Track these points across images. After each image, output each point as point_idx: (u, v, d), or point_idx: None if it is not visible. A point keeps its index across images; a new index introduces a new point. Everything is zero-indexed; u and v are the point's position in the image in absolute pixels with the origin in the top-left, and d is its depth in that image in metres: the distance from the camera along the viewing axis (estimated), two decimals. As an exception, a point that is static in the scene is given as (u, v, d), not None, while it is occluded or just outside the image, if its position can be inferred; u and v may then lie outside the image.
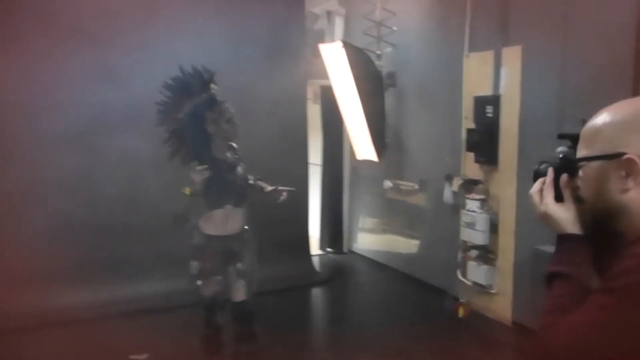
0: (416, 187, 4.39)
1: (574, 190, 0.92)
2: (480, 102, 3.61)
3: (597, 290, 0.79)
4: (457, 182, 3.81)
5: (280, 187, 2.82)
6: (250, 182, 2.82)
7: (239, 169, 2.73)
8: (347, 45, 4.07)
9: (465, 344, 3.50)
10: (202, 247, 2.73)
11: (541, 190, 0.97)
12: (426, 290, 4.25)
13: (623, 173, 0.80)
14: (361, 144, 4.39)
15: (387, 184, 4.60)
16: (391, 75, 4.43)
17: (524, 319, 3.39)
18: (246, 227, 2.80)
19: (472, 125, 3.68)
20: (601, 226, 0.87)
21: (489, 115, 3.54)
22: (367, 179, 5.09)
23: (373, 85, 4.25)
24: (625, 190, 0.80)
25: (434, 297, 4.09)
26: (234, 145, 2.75)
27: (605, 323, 0.74)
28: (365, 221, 5.33)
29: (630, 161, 0.79)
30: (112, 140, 3.79)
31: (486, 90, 3.60)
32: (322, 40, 4.79)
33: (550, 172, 0.96)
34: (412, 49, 4.32)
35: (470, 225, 3.62)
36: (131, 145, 3.67)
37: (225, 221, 2.70)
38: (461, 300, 3.79)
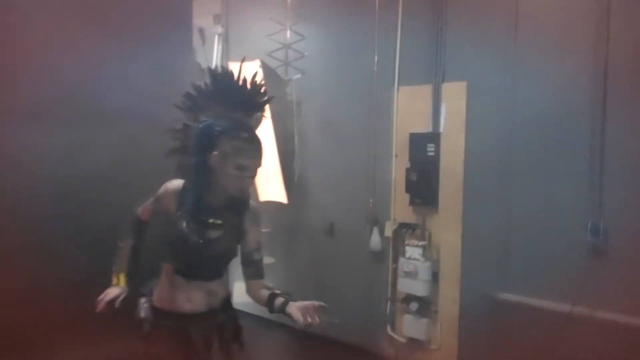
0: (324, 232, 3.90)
1: None
2: (418, 140, 3.32)
3: None
4: (389, 227, 3.44)
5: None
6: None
7: (248, 242, 1.91)
8: (264, 65, 3.48)
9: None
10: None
11: None
12: (340, 351, 3.73)
13: None
14: (267, 182, 3.77)
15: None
16: (299, 105, 3.93)
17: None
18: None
19: (405, 164, 3.37)
20: None
21: (430, 153, 3.26)
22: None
23: (284, 115, 3.70)
24: None
25: (353, 358, 3.62)
26: (250, 203, 1.91)
27: None
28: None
29: None
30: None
31: (423, 127, 3.33)
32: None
33: None
34: (325, 78, 3.89)
35: (411, 275, 3.26)
36: None
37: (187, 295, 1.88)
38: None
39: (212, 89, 1.82)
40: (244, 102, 1.81)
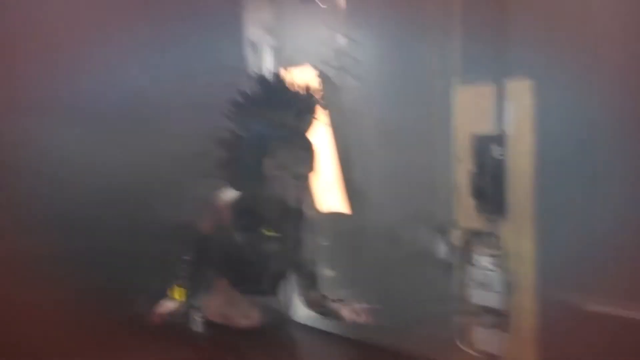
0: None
1: None
2: (483, 142, 3.14)
3: None
4: (456, 235, 3.27)
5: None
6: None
7: (304, 253, 1.83)
8: (318, 72, 3.41)
9: None
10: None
11: None
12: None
13: None
14: (327, 192, 3.69)
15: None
16: (355, 112, 3.83)
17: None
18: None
19: (470, 168, 3.20)
20: None
21: (496, 156, 3.08)
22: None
23: (340, 123, 3.61)
24: None
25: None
26: (304, 211, 1.85)
27: None
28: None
29: None
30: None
31: (487, 128, 3.14)
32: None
33: None
34: (380, 83, 3.76)
35: (483, 285, 3.08)
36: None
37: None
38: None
39: (260, 93, 1.75)
40: (294, 104, 1.74)
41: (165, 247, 1.99)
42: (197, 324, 1.83)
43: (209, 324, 1.81)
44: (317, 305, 1.75)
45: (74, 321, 2.63)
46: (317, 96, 1.77)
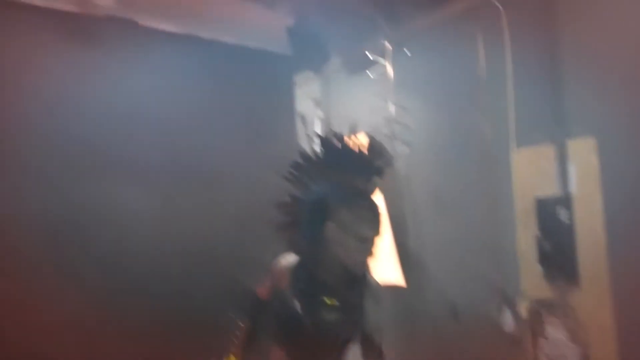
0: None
1: None
2: (547, 205, 2.98)
3: None
4: (524, 305, 3.04)
5: None
6: None
7: (368, 323, 1.70)
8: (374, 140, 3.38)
9: None
10: None
11: None
12: None
13: None
14: (381, 264, 3.54)
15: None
16: (408, 179, 3.75)
17: None
18: None
19: (532, 232, 3.02)
20: None
21: (563, 219, 2.90)
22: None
23: (394, 191, 3.53)
24: None
25: None
26: (368, 278, 1.74)
27: None
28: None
29: None
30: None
31: (549, 190, 2.99)
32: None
33: None
34: (433, 149, 3.70)
35: (557, 361, 2.81)
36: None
37: None
38: None
39: (323, 154, 1.70)
40: (361, 165, 1.67)
41: (224, 312, 1.92)
42: None
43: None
44: None
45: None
46: (384, 154, 1.71)
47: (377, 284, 1.72)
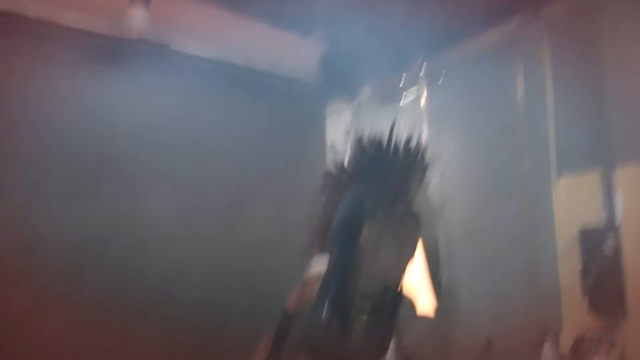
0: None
1: None
2: (591, 236, 2.88)
3: None
4: (566, 340, 2.91)
5: None
6: None
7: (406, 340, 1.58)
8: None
9: None
10: None
11: None
12: None
13: None
14: (411, 294, 3.42)
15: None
16: (441, 209, 3.66)
17: None
18: None
19: (573, 265, 2.91)
20: None
21: (607, 251, 2.80)
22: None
23: (426, 221, 3.44)
24: None
25: None
26: (402, 291, 1.60)
27: None
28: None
29: None
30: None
31: (594, 221, 2.90)
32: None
33: None
34: (467, 177, 3.63)
35: (605, 401, 2.66)
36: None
37: None
38: None
39: (359, 158, 1.59)
40: (399, 168, 1.55)
41: (250, 324, 1.81)
42: None
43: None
44: None
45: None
46: (423, 155, 1.60)
47: (411, 301, 1.60)
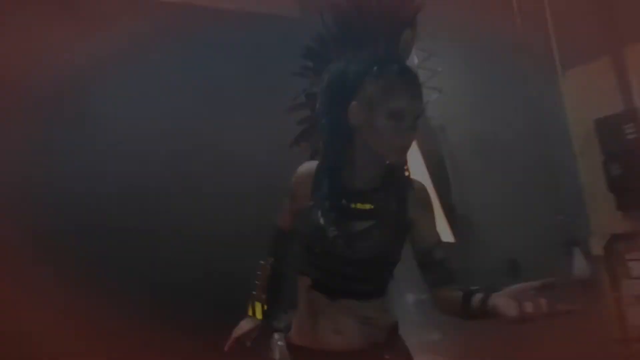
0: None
1: None
2: (609, 124, 2.60)
3: None
4: (597, 243, 2.66)
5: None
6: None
7: (421, 236, 1.32)
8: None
9: None
10: None
11: None
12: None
13: None
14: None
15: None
16: (443, 129, 3.39)
17: None
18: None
19: (593, 162, 2.64)
20: None
21: (631, 136, 2.52)
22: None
23: (429, 142, 3.18)
24: None
25: None
26: (413, 180, 1.35)
27: None
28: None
29: None
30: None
31: (609, 109, 2.61)
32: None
33: None
34: (465, 91, 3.34)
35: (648, 301, 2.42)
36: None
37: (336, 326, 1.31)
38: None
39: (340, 22, 1.32)
40: (384, 18, 1.28)
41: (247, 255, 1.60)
42: (277, 350, 1.37)
43: (291, 348, 1.35)
44: (458, 307, 1.20)
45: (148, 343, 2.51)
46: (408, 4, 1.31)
47: (422, 186, 1.33)
